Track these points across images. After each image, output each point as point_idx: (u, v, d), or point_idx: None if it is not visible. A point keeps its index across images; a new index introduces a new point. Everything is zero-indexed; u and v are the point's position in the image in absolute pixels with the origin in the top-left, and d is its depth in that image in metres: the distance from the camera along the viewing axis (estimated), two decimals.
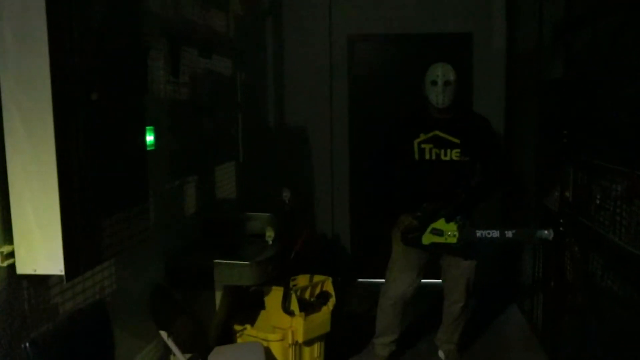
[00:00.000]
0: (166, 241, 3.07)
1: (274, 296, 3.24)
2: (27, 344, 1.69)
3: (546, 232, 3.10)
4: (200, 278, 3.03)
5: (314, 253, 4.11)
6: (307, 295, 3.36)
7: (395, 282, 3.46)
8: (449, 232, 3.13)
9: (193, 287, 3.07)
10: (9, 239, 1.82)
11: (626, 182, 2.51)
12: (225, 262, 3.01)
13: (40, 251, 1.81)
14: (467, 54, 5.02)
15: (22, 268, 1.83)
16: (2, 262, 1.80)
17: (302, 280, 3.51)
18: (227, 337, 3.32)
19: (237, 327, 3.33)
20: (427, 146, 3.30)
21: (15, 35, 1.72)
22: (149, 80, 2.76)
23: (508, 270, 4.82)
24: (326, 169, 5.21)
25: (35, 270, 1.83)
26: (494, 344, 4.01)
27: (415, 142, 3.31)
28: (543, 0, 3.83)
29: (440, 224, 3.14)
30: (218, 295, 3.08)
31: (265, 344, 3.15)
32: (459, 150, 3.29)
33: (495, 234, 3.11)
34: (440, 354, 3.71)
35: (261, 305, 3.37)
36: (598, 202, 2.82)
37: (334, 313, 3.41)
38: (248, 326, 3.32)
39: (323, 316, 3.34)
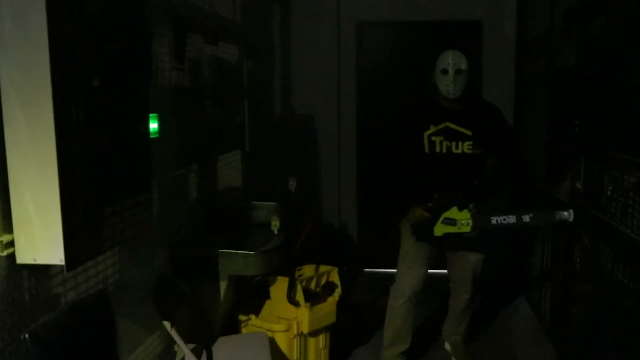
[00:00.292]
0: (170, 230, 3.05)
1: (279, 286, 3.21)
2: (27, 335, 1.66)
3: (566, 213, 2.93)
4: (204, 268, 3.01)
5: (320, 243, 4.08)
6: (312, 285, 3.33)
7: (405, 279, 3.34)
8: (462, 220, 2.98)
9: (197, 277, 3.05)
10: (8, 227, 1.79)
11: (639, 173, 2.46)
12: (230, 252, 2.98)
13: (41, 240, 1.78)
14: (477, 42, 4.95)
15: (22, 257, 1.81)
16: (2, 251, 1.77)
17: (307, 270, 3.48)
18: (232, 328, 3.30)
19: (242, 318, 3.31)
20: (437, 139, 3.15)
21: (14, 20, 1.68)
22: (153, 66, 2.73)
23: (516, 262, 4.78)
24: (333, 157, 5.17)
25: (35, 260, 1.81)
26: (501, 335, 3.98)
27: (425, 134, 3.16)
28: None
29: (452, 212, 2.99)
30: (223, 285, 3.05)
31: (270, 334, 3.13)
32: (471, 142, 3.14)
33: (512, 219, 2.95)
34: (447, 345, 3.68)
35: (266, 296, 3.34)
36: (609, 193, 2.77)
37: (340, 304, 3.38)
38: (253, 316, 3.29)
39: (329, 307, 3.31)
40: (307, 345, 3.27)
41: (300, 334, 3.19)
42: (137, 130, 2.26)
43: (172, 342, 2.70)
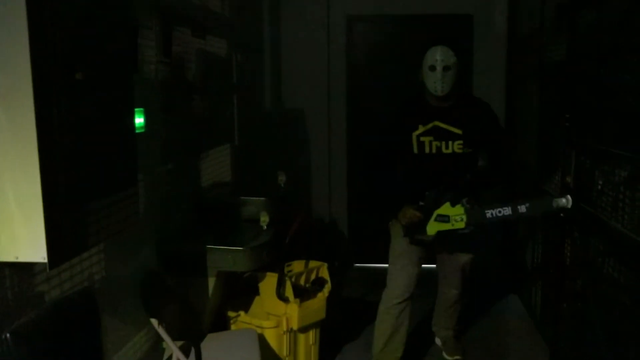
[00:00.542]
0: (158, 226, 3.01)
1: (269, 282, 3.19)
2: (8, 335, 1.62)
3: (564, 199, 2.83)
4: (192, 264, 2.98)
5: (310, 238, 4.05)
6: (302, 281, 3.31)
7: (397, 281, 3.21)
8: (456, 216, 2.87)
9: (185, 273, 3.01)
10: None
11: (629, 167, 2.45)
12: (219, 248, 2.95)
13: (22, 238, 1.74)
14: (468, 36, 4.94)
15: (4, 255, 1.76)
16: None
17: (297, 266, 3.45)
18: (221, 324, 3.28)
19: (231, 314, 3.28)
20: (426, 139, 3.05)
21: None
22: (139, 60, 2.68)
23: (506, 257, 4.77)
24: (323, 152, 5.15)
25: (17, 258, 1.76)
26: (492, 330, 3.97)
27: (414, 134, 3.05)
28: None
29: (445, 209, 2.88)
30: (211, 282, 3.02)
31: (259, 330, 3.11)
32: (461, 141, 3.04)
33: (507, 210, 2.84)
34: (437, 340, 3.67)
35: (255, 292, 3.31)
36: (600, 187, 2.76)
37: (330, 299, 3.36)
38: (242, 313, 3.27)
39: (318, 303, 3.29)
40: (296, 342, 3.25)
41: (290, 330, 3.17)
42: (122, 124, 2.21)
43: (160, 339, 2.67)
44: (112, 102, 2.13)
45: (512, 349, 3.71)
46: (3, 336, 1.62)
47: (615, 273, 2.59)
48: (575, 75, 3.13)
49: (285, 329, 3.15)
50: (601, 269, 2.71)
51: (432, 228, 2.91)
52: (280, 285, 3.14)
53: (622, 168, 2.52)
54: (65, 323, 1.90)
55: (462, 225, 2.88)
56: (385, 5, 4.95)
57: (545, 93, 3.78)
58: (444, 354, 3.58)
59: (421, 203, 2.95)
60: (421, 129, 3.05)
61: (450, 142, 3.04)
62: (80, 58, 1.87)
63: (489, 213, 2.87)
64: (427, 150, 3.05)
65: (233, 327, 3.28)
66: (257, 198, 3.51)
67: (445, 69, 2.96)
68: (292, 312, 3.14)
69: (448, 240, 3.06)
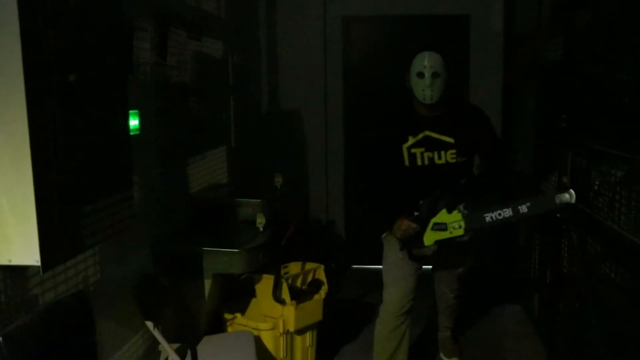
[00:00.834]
0: (154, 228, 3.00)
1: (265, 284, 3.18)
2: (1, 338, 1.61)
3: (567, 195, 2.65)
4: (189, 266, 2.97)
5: (307, 239, 4.05)
6: (298, 283, 3.30)
7: (394, 294, 3.03)
8: (454, 223, 2.69)
9: (182, 276, 3.01)
10: None
11: (626, 167, 2.45)
12: (215, 250, 2.95)
13: (15, 240, 1.73)
14: (465, 36, 4.93)
15: None
16: None
17: (293, 267, 3.44)
18: (217, 326, 3.27)
19: (227, 316, 3.27)
20: (417, 150, 2.88)
21: None
22: (134, 62, 2.67)
23: (504, 259, 4.77)
24: (320, 154, 5.14)
25: (10, 261, 1.75)
26: (490, 331, 3.96)
27: (404, 147, 2.89)
28: None
29: (441, 216, 2.71)
30: (207, 284, 3.01)
31: (256, 333, 3.09)
32: (454, 151, 2.88)
33: (508, 212, 2.66)
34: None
35: (252, 294, 3.31)
36: (596, 187, 2.76)
37: (327, 301, 3.35)
38: (238, 315, 3.26)
39: (315, 304, 3.28)
40: (293, 344, 3.24)
41: (287, 332, 3.16)
42: (117, 126, 2.20)
43: (156, 342, 2.66)
44: (107, 104, 2.12)
45: (510, 350, 3.70)
46: None
47: (612, 273, 2.59)
48: (571, 75, 3.13)
49: (281, 331, 3.14)
50: (598, 269, 2.71)
51: (430, 238, 2.76)
52: (277, 287, 3.13)
53: (618, 168, 2.52)
54: (60, 327, 1.89)
55: (460, 232, 2.72)
56: (382, 6, 4.95)
57: (542, 93, 3.77)
58: (441, 355, 3.57)
59: (416, 213, 2.78)
60: (411, 140, 2.90)
61: (442, 152, 2.89)
62: (73, 59, 1.85)
63: (488, 217, 2.70)
64: (419, 162, 2.90)
65: (229, 329, 3.27)
66: (254, 200, 3.50)
67: (434, 75, 2.80)
68: (289, 314, 3.13)
69: (444, 254, 2.95)
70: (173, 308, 2.87)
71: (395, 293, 3.04)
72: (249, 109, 4.80)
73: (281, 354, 3.16)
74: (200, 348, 2.78)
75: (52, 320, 1.85)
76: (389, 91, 4.39)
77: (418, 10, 4.90)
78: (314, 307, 3.28)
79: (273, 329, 3.14)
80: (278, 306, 3.13)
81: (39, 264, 1.73)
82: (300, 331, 3.23)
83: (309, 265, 3.44)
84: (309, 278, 3.38)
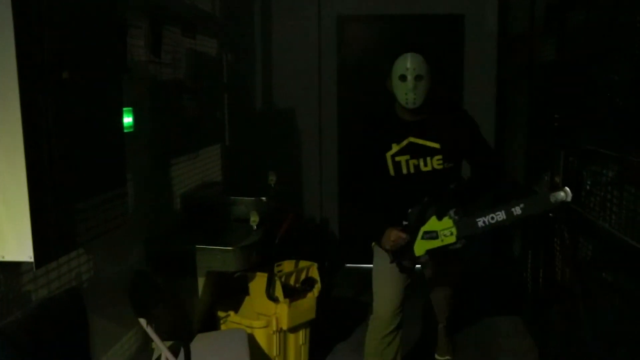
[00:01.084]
0: (147, 226, 3.01)
1: (258, 282, 3.18)
2: None
3: (562, 193, 2.51)
4: (182, 263, 2.97)
5: (300, 238, 4.05)
6: (292, 281, 3.30)
7: (384, 300, 2.92)
8: (445, 230, 2.55)
9: (175, 273, 3.01)
10: None
11: (617, 167, 2.47)
12: (208, 248, 2.95)
13: (9, 237, 1.74)
14: (459, 36, 4.95)
15: None
16: None
17: (287, 266, 3.45)
18: (211, 324, 3.27)
19: (221, 314, 3.28)
20: (402, 158, 2.74)
21: None
22: (128, 59, 2.68)
23: (496, 259, 4.79)
24: (314, 152, 5.14)
25: (3, 257, 1.77)
26: (482, 330, 3.98)
27: (388, 155, 2.74)
28: None
29: (431, 224, 2.57)
30: (201, 282, 3.02)
31: (249, 330, 3.10)
32: (440, 156, 2.73)
33: (501, 215, 2.51)
34: None
35: (245, 292, 3.31)
36: (588, 187, 2.77)
37: (320, 299, 3.36)
38: (232, 313, 3.26)
39: (308, 302, 3.29)
40: (286, 342, 3.24)
41: (280, 330, 3.16)
42: (110, 123, 2.22)
43: (149, 339, 2.66)
44: (101, 102, 2.13)
45: (502, 349, 3.72)
46: None
47: (603, 272, 2.61)
48: (564, 75, 3.15)
49: (275, 328, 3.14)
50: (589, 269, 2.73)
51: (420, 248, 2.61)
52: (270, 285, 3.13)
53: (610, 168, 2.54)
54: (53, 323, 1.89)
55: (452, 239, 2.57)
56: (377, 5, 4.95)
57: (535, 93, 3.79)
58: (435, 355, 3.58)
59: (405, 222, 2.65)
60: (395, 148, 2.75)
61: (428, 159, 2.74)
62: (67, 57, 1.86)
63: (480, 221, 2.55)
64: (404, 170, 2.75)
65: (223, 327, 3.27)
66: (248, 198, 3.50)
67: (418, 78, 2.63)
68: (282, 312, 3.14)
69: (436, 264, 2.87)
70: (166, 306, 2.86)
71: (385, 296, 2.93)
72: (243, 107, 4.80)
73: (274, 352, 3.17)
74: (194, 346, 2.78)
75: (46, 316, 1.86)
76: (383, 91, 4.40)
77: (413, 10, 4.91)
78: (307, 305, 3.29)
79: (266, 326, 3.15)
80: (271, 304, 3.14)
81: (32, 260, 1.74)
82: (294, 329, 3.24)
83: (303, 264, 3.45)
84: (303, 276, 3.39)
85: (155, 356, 2.73)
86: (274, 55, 5.05)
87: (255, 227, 3.25)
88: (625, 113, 2.37)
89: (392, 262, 2.72)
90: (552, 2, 3.42)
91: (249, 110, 4.97)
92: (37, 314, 1.84)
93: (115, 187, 2.22)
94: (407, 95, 2.65)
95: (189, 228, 3.33)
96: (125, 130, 2.43)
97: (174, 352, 2.62)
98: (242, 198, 3.53)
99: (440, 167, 2.75)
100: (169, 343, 2.65)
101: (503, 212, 2.53)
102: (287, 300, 3.15)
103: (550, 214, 3.17)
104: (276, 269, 3.35)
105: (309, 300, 3.30)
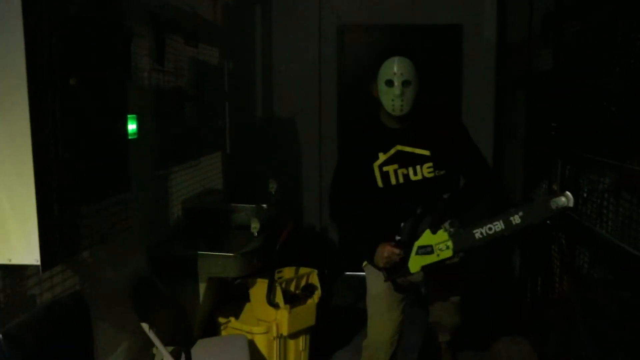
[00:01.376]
0: (150, 231, 3.03)
1: (259, 288, 3.21)
2: (0, 336, 1.64)
3: (563, 198, 2.31)
4: (184, 269, 3.00)
5: (300, 245, 4.07)
6: (292, 287, 3.33)
7: (379, 328, 2.79)
8: (440, 244, 2.39)
9: (177, 279, 3.03)
10: None
11: (614, 175, 2.50)
12: (210, 254, 2.98)
13: (16, 240, 1.76)
14: (458, 46, 4.99)
15: None
16: None
17: (287, 272, 3.47)
18: (211, 330, 3.29)
19: (222, 320, 3.30)
20: (390, 168, 2.57)
21: None
22: (132, 67, 2.72)
23: (494, 263, 4.81)
24: (315, 160, 5.17)
25: (10, 260, 1.79)
26: (479, 335, 3.99)
27: (375, 165, 2.58)
28: None
29: (426, 238, 2.41)
30: (202, 287, 3.04)
31: (249, 336, 3.12)
32: (430, 164, 2.56)
33: (499, 225, 2.35)
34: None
35: (246, 298, 3.33)
36: (585, 195, 2.80)
37: (320, 306, 3.38)
38: (232, 318, 3.29)
39: (308, 309, 3.31)
40: (286, 348, 3.26)
41: (280, 336, 3.18)
42: (115, 130, 2.25)
43: (151, 344, 2.68)
44: (106, 108, 2.16)
45: (499, 354, 3.73)
46: None
47: (600, 279, 2.63)
48: (561, 84, 3.19)
49: (275, 334, 3.17)
50: (587, 275, 2.75)
51: (415, 264, 2.44)
52: (271, 291, 3.15)
53: (607, 176, 2.57)
54: (57, 326, 1.92)
55: (449, 253, 2.40)
56: (377, 16, 5.00)
57: (533, 102, 3.83)
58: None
59: (398, 237, 2.48)
60: (382, 158, 2.58)
61: (418, 167, 2.57)
62: (74, 64, 1.90)
63: (477, 233, 2.38)
64: (393, 181, 2.58)
65: (223, 332, 3.29)
66: (248, 205, 3.54)
67: (405, 84, 2.47)
68: (282, 318, 3.16)
69: (433, 281, 2.72)
70: (168, 310, 2.89)
71: (381, 324, 2.79)
72: (244, 115, 4.84)
73: (274, 358, 3.19)
74: (194, 351, 2.80)
75: (50, 319, 1.88)
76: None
77: (412, 20, 4.96)
78: (307, 312, 3.31)
79: (267, 332, 3.17)
80: (272, 310, 3.16)
81: (38, 263, 1.76)
82: (294, 335, 3.26)
83: (303, 270, 3.48)
84: (303, 283, 3.41)
85: None
86: (274, 64, 5.09)
87: (256, 233, 3.28)
88: (621, 121, 2.41)
89: (386, 280, 2.58)
90: (549, 12, 3.46)
91: (249, 119, 5.01)
92: (42, 317, 1.87)
93: (120, 192, 2.25)
94: (394, 102, 2.49)
95: (191, 234, 3.35)
96: (130, 137, 2.46)
97: (175, 357, 2.64)
98: (243, 205, 3.57)
99: (431, 175, 2.57)
100: (170, 348, 2.67)
101: (501, 221, 2.38)
102: (288, 306, 3.17)
103: (548, 221, 3.18)
104: (276, 276, 3.37)
105: (309, 306, 3.32)
